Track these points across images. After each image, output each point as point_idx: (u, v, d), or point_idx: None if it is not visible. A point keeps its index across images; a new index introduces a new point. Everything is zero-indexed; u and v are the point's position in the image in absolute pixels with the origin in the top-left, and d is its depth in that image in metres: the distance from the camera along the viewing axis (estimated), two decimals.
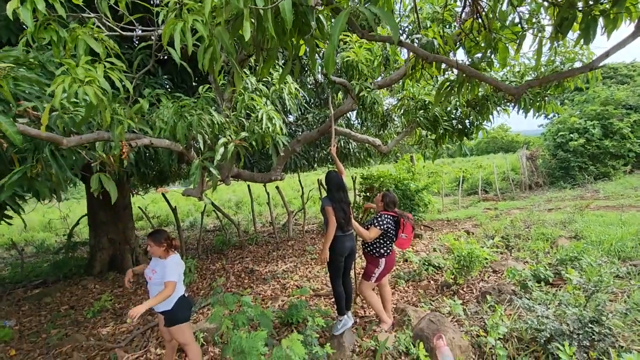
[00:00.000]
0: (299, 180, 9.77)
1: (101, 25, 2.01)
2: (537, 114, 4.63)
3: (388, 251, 3.55)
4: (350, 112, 6.97)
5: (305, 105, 6.70)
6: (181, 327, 2.92)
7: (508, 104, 4.65)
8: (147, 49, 2.83)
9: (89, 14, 1.95)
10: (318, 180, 10.07)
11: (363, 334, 3.61)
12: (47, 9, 1.51)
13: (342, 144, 6.50)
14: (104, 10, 1.70)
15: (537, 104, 4.22)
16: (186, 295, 3.06)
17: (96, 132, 2.01)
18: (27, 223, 14.69)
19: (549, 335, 2.63)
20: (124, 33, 2.13)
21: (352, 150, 6.68)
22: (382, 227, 3.45)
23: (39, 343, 4.53)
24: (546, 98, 4.25)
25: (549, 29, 2.40)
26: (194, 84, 5.64)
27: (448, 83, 2.77)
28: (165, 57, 5.86)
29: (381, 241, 3.52)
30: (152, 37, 2.58)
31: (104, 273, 7.19)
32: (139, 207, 9.06)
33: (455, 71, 2.67)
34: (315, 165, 6.90)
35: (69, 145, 1.86)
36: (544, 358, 2.58)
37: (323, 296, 4.95)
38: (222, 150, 2.63)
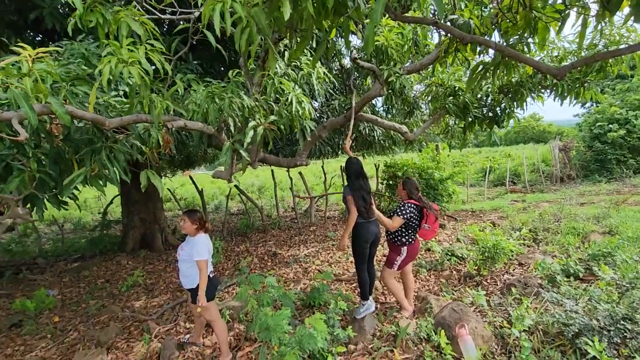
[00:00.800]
0: (322, 167, 9.80)
1: (140, 8, 2.08)
2: (574, 102, 4.40)
3: (410, 240, 3.50)
4: (376, 99, 6.88)
5: (331, 91, 6.67)
6: (207, 304, 3.05)
7: (543, 90, 4.44)
8: (182, 33, 2.89)
9: None
10: (340, 167, 10.06)
11: (384, 320, 3.65)
12: None
13: (367, 132, 6.44)
14: None
15: (575, 90, 4.01)
16: (211, 275, 3.16)
17: (135, 115, 2.11)
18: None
19: (577, 330, 2.57)
20: (163, 16, 2.19)
21: (376, 137, 6.62)
22: (405, 216, 3.38)
23: (79, 312, 4.87)
24: (585, 84, 4.03)
25: (593, 8, 2.26)
26: (221, 69, 5.73)
27: (482, 66, 2.68)
28: (195, 43, 5.98)
29: (403, 230, 3.47)
30: (182, 22, 2.63)
31: (136, 250, 7.57)
32: (167, 189, 9.39)
33: (491, 54, 2.58)
34: (340, 152, 6.89)
35: (111, 126, 1.96)
36: (571, 352, 2.53)
37: (344, 281, 5.01)
38: (251, 133, 2.69)
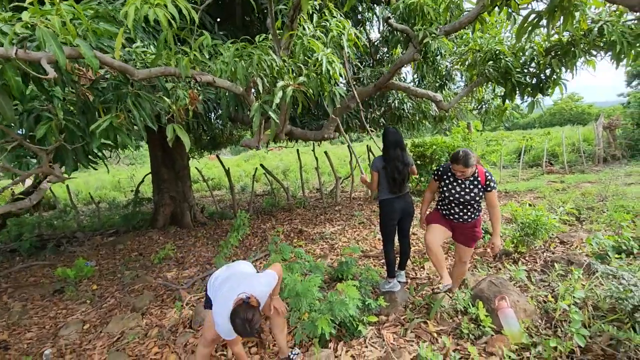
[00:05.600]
0: (349, 147, 9.62)
1: None
2: (630, 64, 3.97)
3: None
4: (406, 73, 6.55)
5: (358, 63, 6.43)
6: None
7: (595, 52, 4.03)
8: None
9: None
10: (367, 146, 9.85)
11: (415, 293, 3.53)
12: None
13: (397, 104, 6.18)
14: None
15: (636, 49, 3.59)
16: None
17: (163, 67, 2.04)
18: (100, 183, 16.36)
19: (637, 304, 2.34)
20: None
21: (406, 111, 6.34)
22: None
23: (115, 281, 5.07)
24: None
25: None
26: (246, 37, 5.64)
27: (534, 15, 2.42)
28: (221, 16, 5.89)
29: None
30: None
31: (166, 226, 7.80)
32: (195, 167, 9.56)
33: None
34: (368, 125, 6.67)
35: (140, 77, 1.91)
36: (629, 327, 2.31)
37: (372, 257, 4.91)
38: (280, 93, 2.57)
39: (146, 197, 9.60)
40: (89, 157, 2.72)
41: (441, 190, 3.01)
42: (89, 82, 2.21)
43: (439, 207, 3.12)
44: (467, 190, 2.84)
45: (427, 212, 3.34)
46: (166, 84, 2.48)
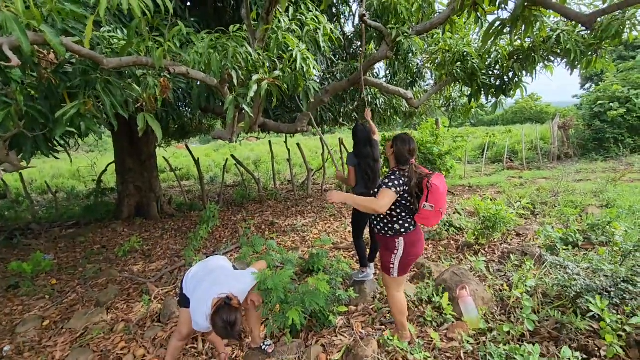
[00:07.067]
0: (321, 139, 9.66)
1: None
2: (583, 71, 4.30)
3: (407, 226, 2.38)
4: (378, 69, 6.66)
5: (332, 58, 6.45)
6: None
7: (553, 58, 4.32)
8: None
9: None
10: (339, 139, 9.95)
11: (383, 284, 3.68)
12: None
13: (370, 99, 6.29)
14: None
15: (588, 57, 3.89)
16: None
17: (135, 56, 1.97)
18: (56, 171, 15.34)
19: (578, 291, 2.59)
20: None
21: (379, 106, 6.47)
22: (397, 188, 2.28)
23: (77, 275, 4.86)
24: (599, 52, 3.92)
25: None
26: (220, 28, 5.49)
27: (499, 22, 2.55)
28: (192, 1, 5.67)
29: (394, 211, 2.38)
30: None
31: (132, 218, 7.51)
32: (163, 157, 9.24)
33: (510, 8, 2.44)
34: (341, 119, 6.74)
35: (109, 66, 1.83)
36: (571, 312, 2.57)
37: (343, 249, 5.03)
38: (255, 87, 2.56)
39: (109, 187, 9.15)
40: (50, 145, 2.58)
41: None
42: (52, 65, 2.09)
43: None
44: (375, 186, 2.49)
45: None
46: (136, 71, 2.39)
